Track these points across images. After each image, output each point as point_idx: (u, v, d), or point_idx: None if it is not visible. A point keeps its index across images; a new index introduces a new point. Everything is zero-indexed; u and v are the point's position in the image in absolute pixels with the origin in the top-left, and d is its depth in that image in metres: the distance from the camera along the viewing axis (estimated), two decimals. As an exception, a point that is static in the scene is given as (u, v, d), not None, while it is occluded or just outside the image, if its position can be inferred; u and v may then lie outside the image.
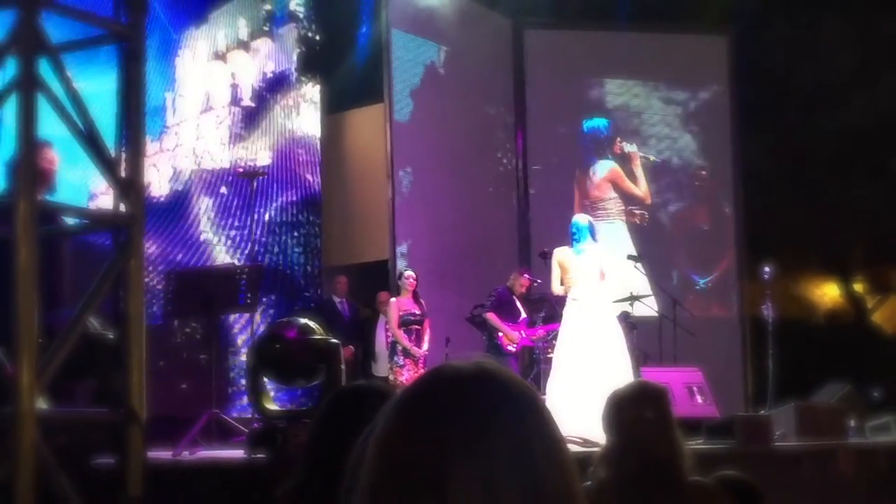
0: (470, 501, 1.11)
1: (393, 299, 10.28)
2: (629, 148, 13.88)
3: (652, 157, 13.91)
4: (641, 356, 10.90)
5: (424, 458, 1.13)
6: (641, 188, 13.89)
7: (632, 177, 13.88)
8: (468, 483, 1.12)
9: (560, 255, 8.65)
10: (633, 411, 3.19)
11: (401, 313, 10.01)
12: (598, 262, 8.55)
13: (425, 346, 10.06)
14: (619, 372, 8.06)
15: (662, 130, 14.06)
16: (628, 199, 13.87)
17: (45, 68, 4.04)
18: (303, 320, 6.73)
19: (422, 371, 8.67)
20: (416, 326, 10.04)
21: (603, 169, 13.87)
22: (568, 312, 8.61)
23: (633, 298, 11.28)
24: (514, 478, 1.13)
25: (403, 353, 9.93)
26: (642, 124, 14.05)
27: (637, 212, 13.76)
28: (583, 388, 7.96)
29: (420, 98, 12.36)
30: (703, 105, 14.15)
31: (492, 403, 1.17)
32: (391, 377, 9.82)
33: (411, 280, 10.12)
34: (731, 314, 13.74)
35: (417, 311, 10.08)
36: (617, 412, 3.23)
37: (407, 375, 9.75)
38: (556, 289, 8.68)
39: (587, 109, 13.95)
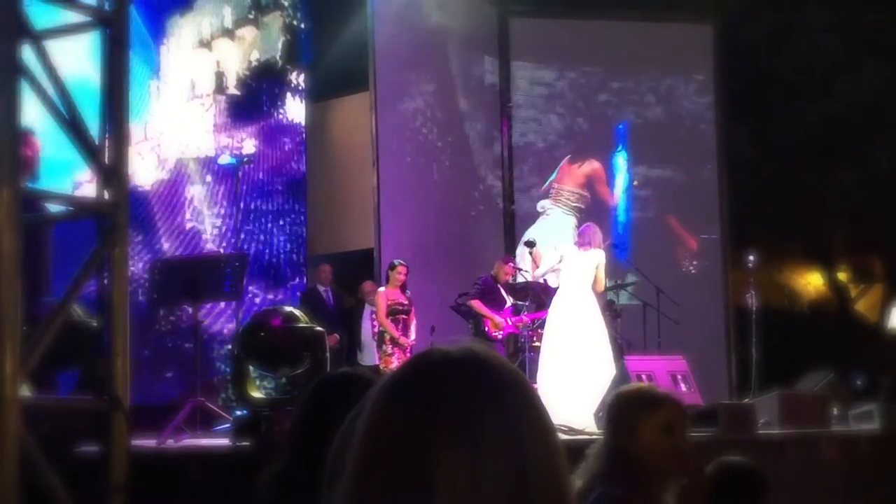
0: (457, 485, 1.11)
1: (381, 289, 10.25)
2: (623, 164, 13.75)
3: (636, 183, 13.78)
4: (625, 344, 10.94)
5: (411, 441, 1.13)
6: (613, 198, 13.67)
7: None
8: (455, 466, 1.11)
9: (565, 250, 9.21)
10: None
11: (389, 303, 10.01)
12: (594, 266, 8.92)
13: (412, 335, 10.07)
14: (603, 364, 8.61)
15: (646, 117, 14.03)
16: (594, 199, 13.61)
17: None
18: (287, 308, 6.75)
19: (409, 359, 8.68)
20: (403, 316, 10.06)
21: (588, 164, 13.64)
22: (556, 304, 9.01)
23: (617, 287, 11.31)
24: (501, 461, 1.13)
25: (392, 342, 9.94)
26: (627, 112, 14.02)
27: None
28: (570, 378, 8.46)
29: (405, 86, 12.33)
30: (687, 93, 14.14)
31: (479, 387, 1.16)
32: (381, 366, 9.81)
33: (402, 274, 10.09)
34: (715, 302, 13.74)
35: (405, 301, 10.09)
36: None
37: (396, 364, 9.73)
38: (552, 280, 9.37)
39: (572, 98, 13.93)
